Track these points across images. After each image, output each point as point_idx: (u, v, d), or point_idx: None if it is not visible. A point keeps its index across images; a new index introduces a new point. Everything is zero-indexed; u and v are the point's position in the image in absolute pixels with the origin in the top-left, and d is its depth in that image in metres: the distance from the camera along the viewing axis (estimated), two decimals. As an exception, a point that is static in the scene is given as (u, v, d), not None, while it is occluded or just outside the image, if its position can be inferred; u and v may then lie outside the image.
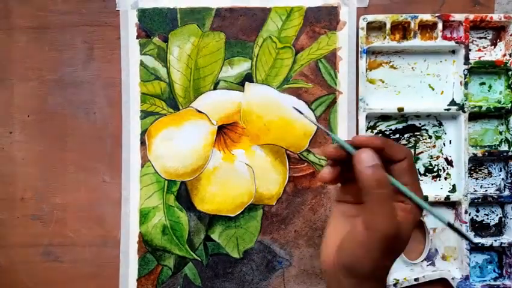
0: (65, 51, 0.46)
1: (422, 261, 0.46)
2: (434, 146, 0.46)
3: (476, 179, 0.46)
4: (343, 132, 0.45)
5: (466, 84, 0.44)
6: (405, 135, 0.46)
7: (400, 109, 0.45)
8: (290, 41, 0.46)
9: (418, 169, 0.46)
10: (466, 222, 0.44)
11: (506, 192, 0.45)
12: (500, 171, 0.46)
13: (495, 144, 0.46)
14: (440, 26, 0.44)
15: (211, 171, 0.46)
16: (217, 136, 0.46)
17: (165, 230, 0.46)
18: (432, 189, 0.46)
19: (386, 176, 0.29)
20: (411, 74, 0.46)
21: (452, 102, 0.45)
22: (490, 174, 0.46)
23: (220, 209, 0.46)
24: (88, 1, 0.46)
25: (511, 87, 0.45)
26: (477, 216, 0.46)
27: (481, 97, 0.46)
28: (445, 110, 0.45)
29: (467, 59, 0.44)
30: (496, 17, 0.44)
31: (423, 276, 0.45)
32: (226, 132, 0.46)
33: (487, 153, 0.45)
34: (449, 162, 0.46)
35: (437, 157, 0.46)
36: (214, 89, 0.46)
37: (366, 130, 0.46)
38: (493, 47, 0.46)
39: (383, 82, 0.46)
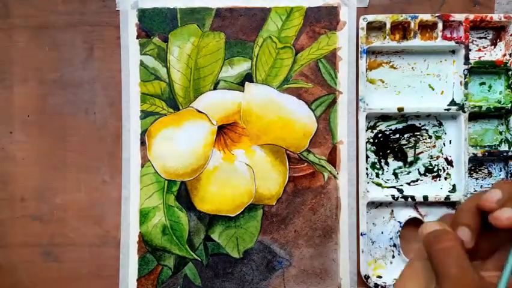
0: (65, 51, 0.46)
1: (422, 261, 0.46)
2: (434, 146, 0.46)
3: (476, 179, 0.46)
4: (343, 132, 0.45)
5: (466, 84, 0.44)
6: (405, 135, 0.46)
7: (400, 109, 0.45)
8: (290, 41, 0.46)
9: (418, 169, 0.46)
10: (466, 222, 0.44)
11: (506, 192, 0.45)
12: (500, 171, 0.46)
13: (495, 144, 0.46)
14: (440, 26, 0.44)
15: (211, 171, 0.46)
16: (217, 136, 0.46)
17: (165, 230, 0.46)
18: (432, 189, 0.46)
19: None
20: (411, 74, 0.46)
21: (452, 102, 0.45)
22: (490, 174, 0.46)
23: (220, 209, 0.46)
24: (88, 1, 0.46)
25: (511, 87, 0.45)
26: (477, 216, 0.46)
27: (481, 97, 0.46)
28: (445, 110, 0.45)
29: (467, 59, 0.44)
30: (496, 17, 0.44)
31: (423, 276, 0.45)
32: (226, 132, 0.46)
33: (487, 153, 0.45)
34: (449, 162, 0.46)
35: (437, 157, 0.46)
36: (214, 89, 0.46)
37: (366, 130, 0.46)
38: (493, 47, 0.46)
39: (383, 82, 0.46)
